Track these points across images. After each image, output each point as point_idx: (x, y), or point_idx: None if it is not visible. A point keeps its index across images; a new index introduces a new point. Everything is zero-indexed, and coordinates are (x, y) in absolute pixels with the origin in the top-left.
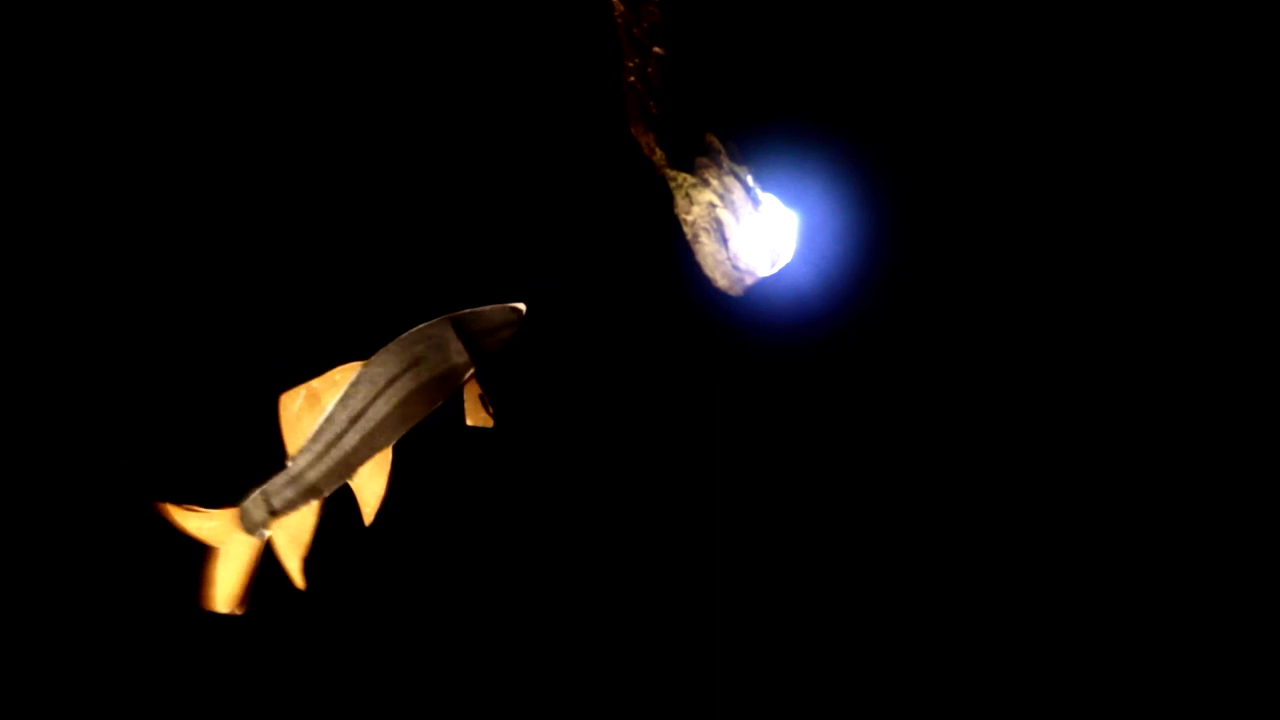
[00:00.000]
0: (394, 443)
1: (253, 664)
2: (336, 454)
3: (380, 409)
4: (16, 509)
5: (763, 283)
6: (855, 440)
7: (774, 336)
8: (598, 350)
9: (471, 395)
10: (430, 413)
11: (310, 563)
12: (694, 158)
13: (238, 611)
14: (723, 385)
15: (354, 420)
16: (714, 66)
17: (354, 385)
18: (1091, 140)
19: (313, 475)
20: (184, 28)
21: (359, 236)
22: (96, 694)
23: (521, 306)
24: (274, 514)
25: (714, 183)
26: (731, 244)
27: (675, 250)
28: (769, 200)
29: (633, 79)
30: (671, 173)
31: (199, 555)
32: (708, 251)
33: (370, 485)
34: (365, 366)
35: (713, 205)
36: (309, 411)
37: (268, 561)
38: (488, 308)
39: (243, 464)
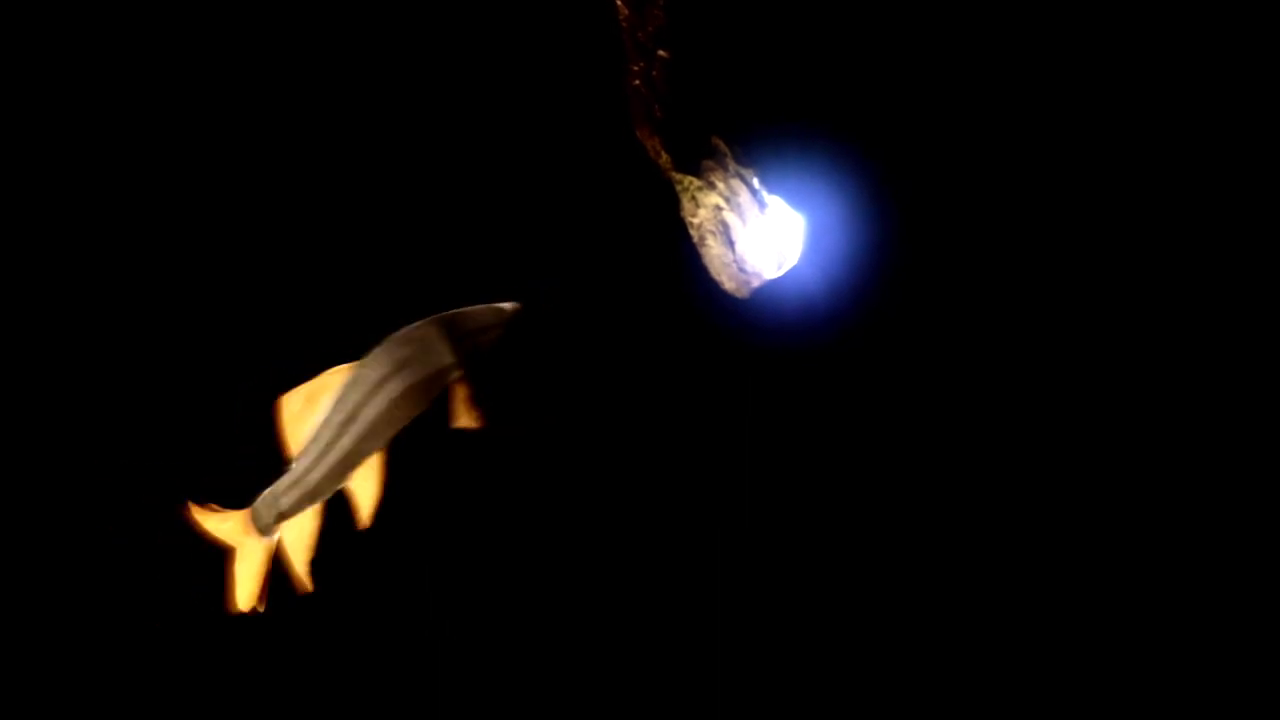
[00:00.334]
0: (386, 444)
1: (256, 666)
2: (334, 456)
3: (372, 411)
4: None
5: (769, 285)
6: (862, 442)
7: (781, 339)
8: (604, 353)
9: (459, 397)
10: (420, 414)
11: (314, 565)
12: (700, 161)
13: (258, 610)
14: (730, 387)
15: (348, 422)
16: (719, 69)
17: (347, 387)
18: (1100, 142)
19: (313, 478)
20: (179, 25)
21: (367, 241)
22: (111, 692)
23: (509, 306)
24: (281, 516)
25: (720, 185)
26: (738, 246)
27: (681, 253)
28: (775, 203)
29: (638, 82)
30: (677, 176)
31: (218, 555)
32: (714, 254)
33: (365, 488)
34: (357, 368)
35: (719, 208)
36: (307, 413)
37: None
38: (476, 307)
39: (241, 466)
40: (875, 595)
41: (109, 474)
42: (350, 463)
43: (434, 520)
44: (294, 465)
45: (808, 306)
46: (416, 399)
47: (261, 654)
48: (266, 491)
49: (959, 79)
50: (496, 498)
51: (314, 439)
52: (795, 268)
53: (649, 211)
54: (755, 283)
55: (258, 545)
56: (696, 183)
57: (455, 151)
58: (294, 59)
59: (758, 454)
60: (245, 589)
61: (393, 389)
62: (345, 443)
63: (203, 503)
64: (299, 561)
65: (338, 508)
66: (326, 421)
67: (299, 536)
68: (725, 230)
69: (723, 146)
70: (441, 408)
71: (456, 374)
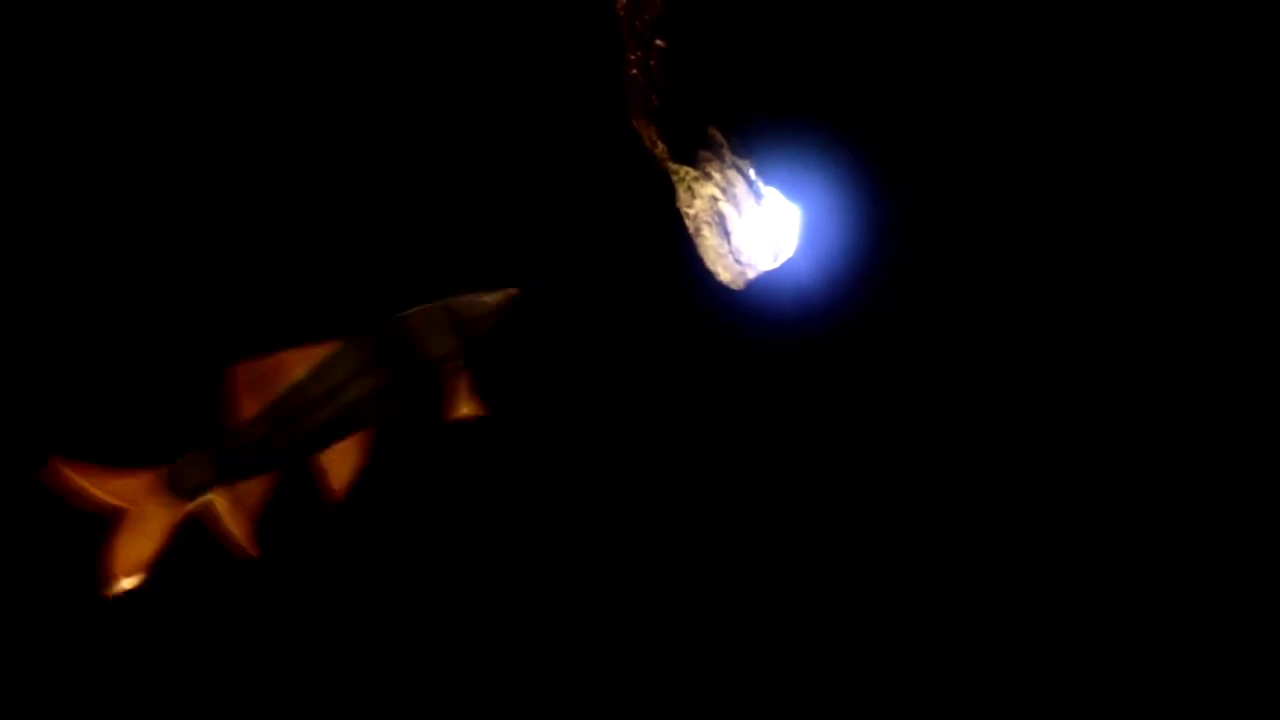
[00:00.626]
0: (372, 427)
1: (197, 652)
2: (304, 425)
3: (357, 390)
4: None
5: (765, 276)
6: (858, 435)
7: (776, 330)
8: (598, 344)
9: (459, 385)
10: (412, 401)
11: (258, 533)
12: (696, 151)
13: (137, 583)
14: (725, 379)
15: (329, 395)
16: (716, 59)
17: (332, 359)
18: (1098, 136)
19: (273, 443)
20: (174, 22)
21: (359, 230)
22: None
23: (509, 293)
24: (221, 479)
25: (716, 176)
26: (734, 238)
27: (677, 244)
28: (772, 194)
29: (634, 72)
30: (673, 166)
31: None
32: (710, 245)
33: (341, 465)
34: (348, 342)
35: (715, 199)
36: (274, 378)
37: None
38: (475, 295)
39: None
40: (875, 595)
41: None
42: (321, 438)
43: (427, 511)
44: (246, 429)
45: (804, 298)
46: (410, 386)
47: (206, 643)
48: (199, 452)
49: (957, 71)
50: (481, 492)
51: (279, 405)
52: (791, 259)
53: (644, 201)
54: (751, 274)
55: (163, 510)
56: (693, 173)
57: (450, 140)
58: (281, 42)
59: (754, 447)
60: (132, 559)
61: (385, 372)
62: (320, 415)
63: (74, 460)
64: (242, 524)
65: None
66: (299, 389)
67: (243, 499)
68: (721, 221)
69: (719, 137)
70: (439, 397)
71: (455, 362)
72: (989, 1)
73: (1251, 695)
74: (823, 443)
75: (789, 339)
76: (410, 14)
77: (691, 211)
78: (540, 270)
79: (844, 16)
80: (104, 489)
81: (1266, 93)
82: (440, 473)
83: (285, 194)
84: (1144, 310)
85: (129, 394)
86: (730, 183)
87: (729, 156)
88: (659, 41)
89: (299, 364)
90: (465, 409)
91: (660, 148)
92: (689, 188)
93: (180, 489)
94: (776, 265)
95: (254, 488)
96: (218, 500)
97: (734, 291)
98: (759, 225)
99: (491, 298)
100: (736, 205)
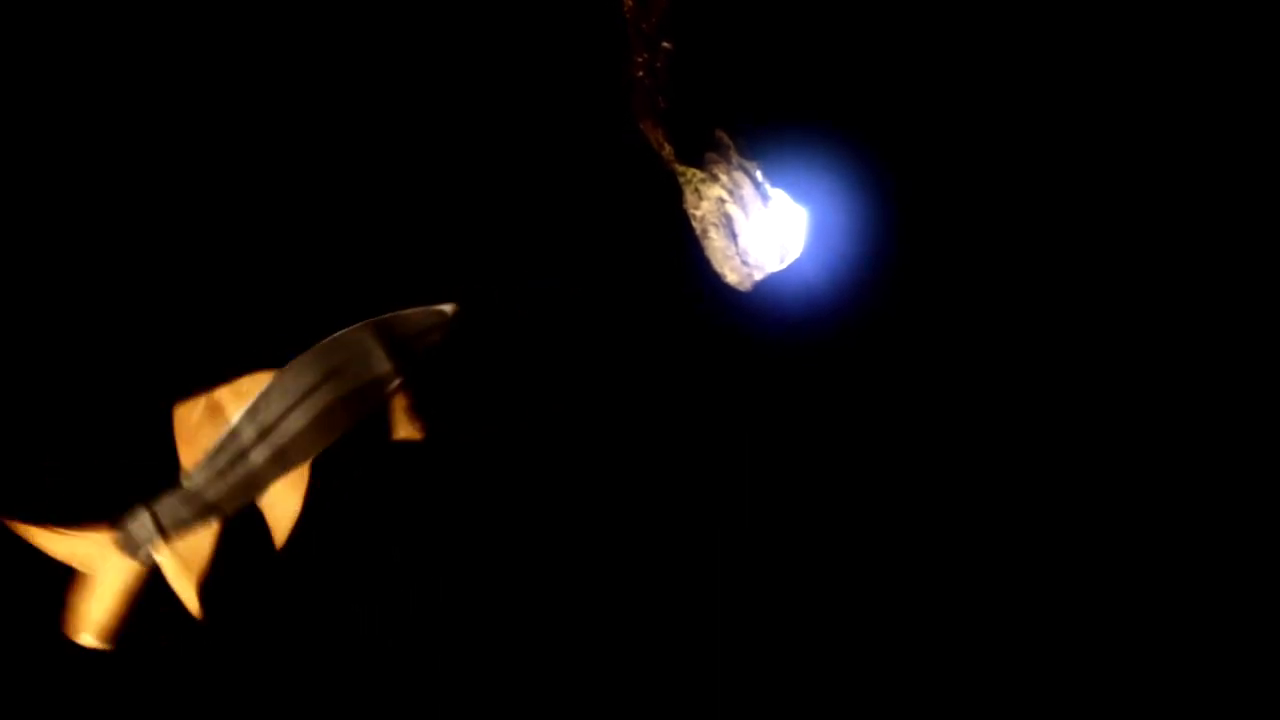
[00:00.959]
0: (310, 459)
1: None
2: (241, 470)
3: (294, 423)
4: None
5: (772, 278)
6: (864, 436)
7: (783, 332)
8: (604, 345)
9: (398, 407)
10: (352, 427)
11: (208, 588)
12: (703, 153)
13: (107, 646)
14: (731, 381)
15: (263, 434)
16: (723, 61)
17: (264, 396)
18: (1105, 138)
19: (212, 493)
20: (170, 21)
21: (363, 231)
22: None
23: (449, 308)
24: (164, 535)
25: (723, 178)
26: (741, 239)
27: (684, 245)
28: (778, 195)
29: (641, 74)
30: (680, 168)
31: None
32: (717, 247)
33: (282, 505)
34: (278, 376)
35: (722, 200)
36: (210, 423)
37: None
38: (412, 310)
39: (120, 480)
40: (874, 593)
41: None
42: (261, 479)
43: (426, 511)
44: (187, 479)
45: (811, 300)
46: (348, 411)
47: (163, 689)
48: (142, 508)
49: (963, 72)
50: (448, 513)
51: (217, 451)
52: (798, 261)
53: (651, 203)
54: (758, 276)
55: (121, 570)
56: (699, 175)
57: (455, 142)
58: (280, 41)
59: (759, 448)
60: (97, 621)
61: (321, 399)
62: (257, 456)
63: (41, 519)
64: (188, 584)
65: (244, 531)
66: (235, 432)
67: (189, 557)
68: (728, 223)
69: (726, 139)
70: (380, 420)
71: (395, 382)
72: (995, 5)
73: (1251, 695)
74: (830, 444)
75: (796, 340)
76: (415, 16)
77: (698, 213)
78: (547, 272)
79: (850, 18)
80: (58, 551)
81: (1266, 93)
82: (440, 473)
83: (274, 197)
84: (1152, 314)
85: (77, 429)
86: (737, 184)
87: (736, 158)
88: (666, 43)
89: (232, 403)
90: (406, 432)
91: (667, 149)
92: (696, 189)
93: (131, 549)
94: (783, 267)
95: (200, 543)
96: (163, 560)
97: (741, 293)
98: (766, 227)
99: (433, 312)
100: (743, 207)
